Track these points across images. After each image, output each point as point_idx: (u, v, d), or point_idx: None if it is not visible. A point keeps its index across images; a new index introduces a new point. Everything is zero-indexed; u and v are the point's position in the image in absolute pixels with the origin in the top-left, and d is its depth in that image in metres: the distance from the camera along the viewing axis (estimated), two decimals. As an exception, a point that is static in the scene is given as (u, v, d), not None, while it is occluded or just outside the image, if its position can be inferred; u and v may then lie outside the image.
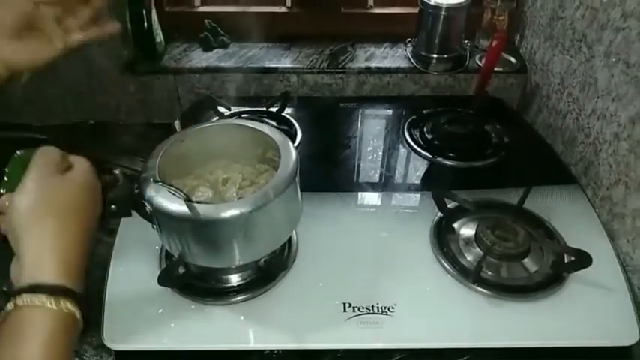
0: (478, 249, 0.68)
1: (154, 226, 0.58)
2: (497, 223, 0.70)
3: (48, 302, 0.40)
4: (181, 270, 0.64)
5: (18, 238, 0.43)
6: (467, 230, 0.72)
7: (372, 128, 0.97)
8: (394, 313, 0.61)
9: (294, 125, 0.93)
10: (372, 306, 0.62)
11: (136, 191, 0.55)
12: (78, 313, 0.42)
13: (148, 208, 0.54)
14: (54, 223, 0.44)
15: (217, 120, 0.89)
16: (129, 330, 0.60)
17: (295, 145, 0.88)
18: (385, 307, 0.62)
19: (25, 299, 0.40)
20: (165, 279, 0.61)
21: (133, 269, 0.67)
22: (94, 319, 0.52)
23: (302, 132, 0.91)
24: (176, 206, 0.52)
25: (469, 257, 0.68)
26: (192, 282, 0.65)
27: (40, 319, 0.40)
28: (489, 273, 0.66)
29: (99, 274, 0.66)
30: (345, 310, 0.62)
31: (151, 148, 0.60)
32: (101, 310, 0.62)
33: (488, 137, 0.92)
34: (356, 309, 0.62)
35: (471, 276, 0.64)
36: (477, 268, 0.64)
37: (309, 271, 0.67)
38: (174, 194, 0.53)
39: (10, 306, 0.40)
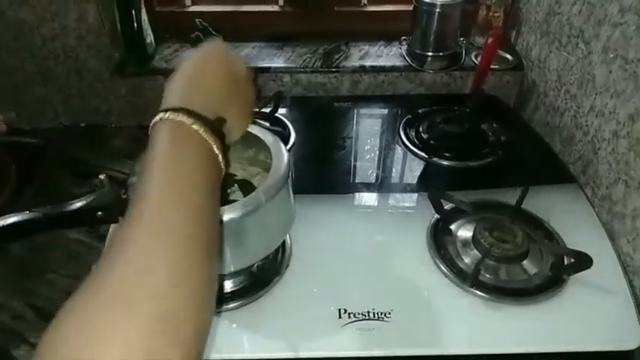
0: (476, 251, 0.67)
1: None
2: (495, 224, 0.68)
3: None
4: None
5: None
6: (464, 232, 0.70)
7: (367, 128, 0.96)
8: (391, 318, 0.60)
9: (287, 126, 0.91)
10: (368, 312, 0.60)
11: (123, 196, 0.53)
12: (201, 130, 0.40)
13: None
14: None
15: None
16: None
17: (289, 146, 0.87)
18: (382, 313, 0.60)
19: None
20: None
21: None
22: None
23: (296, 133, 0.90)
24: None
25: (467, 260, 0.67)
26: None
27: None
28: (488, 276, 0.64)
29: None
30: (340, 317, 0.60)
31: (142, 151, 0.58)
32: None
33: (484, 136, 0.90)
34: (352, 315, 0.60)
35: (468, 279, 0.63)
36: (475, 271, 0.62)
37: (303, 276, 0.65)
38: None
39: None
